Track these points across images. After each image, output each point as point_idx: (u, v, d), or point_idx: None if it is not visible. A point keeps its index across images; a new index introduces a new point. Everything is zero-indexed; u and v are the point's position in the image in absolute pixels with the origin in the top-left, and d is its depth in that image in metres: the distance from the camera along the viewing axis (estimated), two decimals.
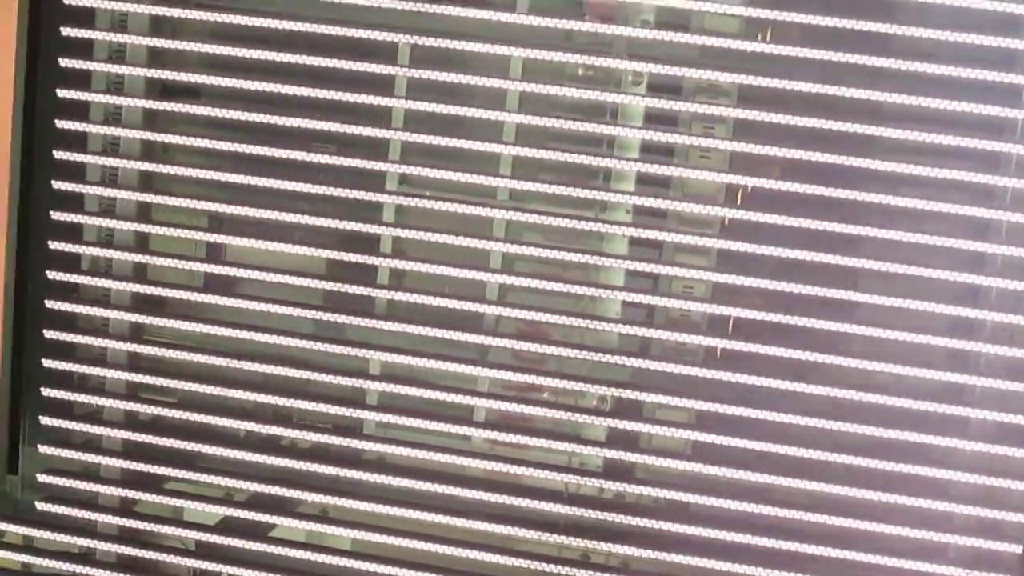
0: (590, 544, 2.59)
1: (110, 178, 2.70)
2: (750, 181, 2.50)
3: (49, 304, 2.70)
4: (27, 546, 2.80)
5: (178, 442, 2.70)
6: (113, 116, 2.69)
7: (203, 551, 2.74)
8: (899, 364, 2.47)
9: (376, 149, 2.60)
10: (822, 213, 2.46)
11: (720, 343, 2.55)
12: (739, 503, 2.54)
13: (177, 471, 2.74)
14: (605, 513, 2.57)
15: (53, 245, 2.69)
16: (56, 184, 2.67)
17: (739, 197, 2.56)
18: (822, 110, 2.43)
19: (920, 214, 2.44)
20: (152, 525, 2.74)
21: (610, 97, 2.53)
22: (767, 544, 2.53)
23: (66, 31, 2.63)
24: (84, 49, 2.66)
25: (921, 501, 2.49)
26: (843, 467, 2.51)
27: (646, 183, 2.58)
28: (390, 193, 2.61)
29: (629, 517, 2.57)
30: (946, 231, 2.43)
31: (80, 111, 2.67)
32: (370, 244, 2.63)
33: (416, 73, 2.54)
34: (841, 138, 2.43)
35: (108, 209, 2.72)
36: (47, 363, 2.72)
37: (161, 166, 2.67)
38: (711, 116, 2.53)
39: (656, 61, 2.49)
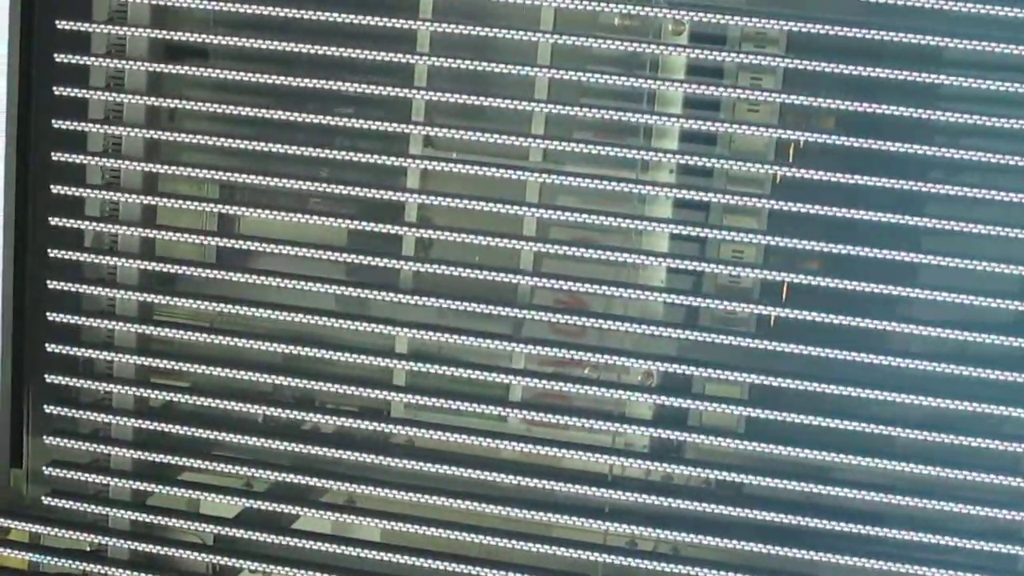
0: (637, 530, 2.52)
1: (113, 148, 2.64)
2: (802, 135, 2.42)
3: (51, 284, 2.63)
4: (34, 544, 2.74)
5: (192, 429, 2.64)
6: (115, 81, 2.63)
7: (222, 546, 2.69)
8: (969, 331, 2.37)
9: (398, 109, 2.55)
10: (881, 169, 2.36)
11: (774, 311, 2.46)
12: (796, 483, 2.46)
13: (192, 461, 2.67)
14: (653, 496, 2.50)
15: (54, 221, 2.61)
16: (55, 155, 2.60)
17: (791, 152, 2.49)
18: (879, 57, 2.34)
19: (988, 167, 2.34)
20: (167, 519, 2.68)
21: (649, 48, 2.46)
22: (828, 527, 2.45)
23: None
24: (83, 10, 2.60)
25: (998, 477, 2.39)
26: (911, 443, 2.42)
27: (690, 139, 2.53)
28: (414, 157, 2.56)
29: (679, 500, 2.50)
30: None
31: (79, 76, 2.60)
32: (394, 212, 2.58)
33: (439, 26, 2.49)
34: (900, 87, 2.34)
35: (112, 181, 2.65)
36: (50, 347, 2.65)
37: (167, 133, 2.60)
38: (759, 66, 2.47)
39: (698, 8, 2.41)
